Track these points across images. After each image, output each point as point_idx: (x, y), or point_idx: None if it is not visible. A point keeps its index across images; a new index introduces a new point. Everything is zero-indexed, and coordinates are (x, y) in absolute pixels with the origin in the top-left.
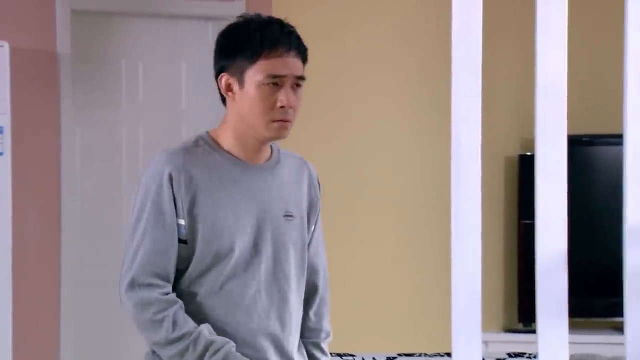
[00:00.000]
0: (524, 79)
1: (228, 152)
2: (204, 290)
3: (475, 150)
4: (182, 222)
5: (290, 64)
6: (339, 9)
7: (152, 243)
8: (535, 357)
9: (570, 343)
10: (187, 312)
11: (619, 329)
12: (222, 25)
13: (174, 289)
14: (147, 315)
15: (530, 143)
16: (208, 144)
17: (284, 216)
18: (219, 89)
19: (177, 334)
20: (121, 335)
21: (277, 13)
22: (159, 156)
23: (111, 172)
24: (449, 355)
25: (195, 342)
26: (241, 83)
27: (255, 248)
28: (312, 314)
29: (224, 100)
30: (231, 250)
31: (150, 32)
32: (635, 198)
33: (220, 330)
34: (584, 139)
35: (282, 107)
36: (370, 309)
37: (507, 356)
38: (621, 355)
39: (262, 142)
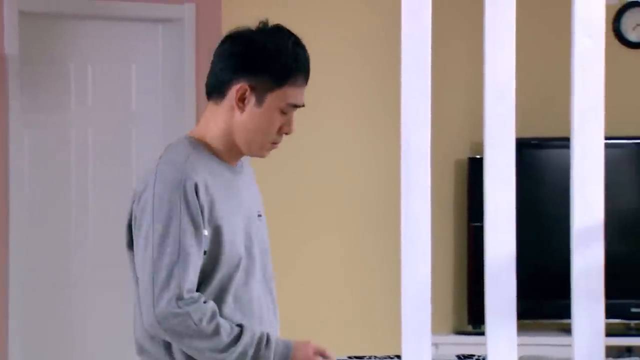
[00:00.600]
0: (474, 82)
1: (218, 156)
2: (224, 301)
3: (424, 153)
4: (206, 232)
5: (303, 93)
6: (290, 11)
7: (187, 259)
8: (484, 359)
9: (519, 344)
10: None
11: (567, 330)
12: (172, 27)
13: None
14: (201, 327)
15: (480, 146)
16: (201, 148)
17: (258, 216)
18: (213, 88)
19: (231, 336)
20: (70, 336)
21: (227, 15)
22: (170, 167)
23: (60, 175)
24: (398, 357)
25: (247, 341)
26: (259, 101)
27: (249, 252)
28: None
29: (209, 96)
30: (240, 258)
31: (99, 34)
32: (582, 200)
33: None
34: (533, 142)
35: (285, 133)
36: (319, 311)
37: (456, 358)
38: (568, 357)
39: (244, 154)
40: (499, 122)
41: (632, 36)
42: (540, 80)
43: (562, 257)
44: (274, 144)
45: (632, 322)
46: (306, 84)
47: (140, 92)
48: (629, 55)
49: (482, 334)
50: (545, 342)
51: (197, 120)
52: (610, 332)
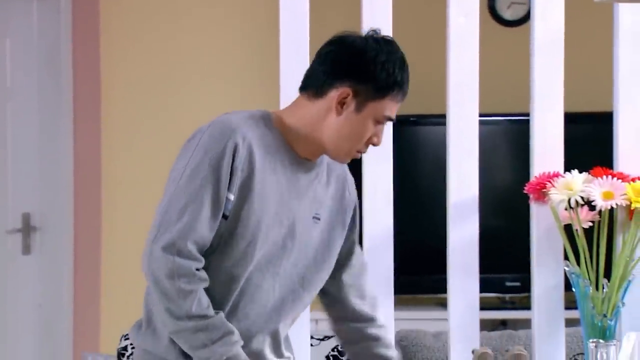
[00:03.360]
0: None
1: (287, 141)
2: (230, 273)
3: None
4: (232, 196)
5: (397, 108)
6: None
7: (200, 209)
8: None
9: (396, 319)
10: (208, 287)
11: (444, 304)
12: (47, 2)
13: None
14: (176, 284)
15: None
16: (271, 125)
17: (313, 217)
18: (311, 86)
19: (200, 311)
20: None
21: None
22: (226, 122)
23: None
24: None
25: (216, 325)
26: (359, 108)
27: (284, 244)
28: (366, 308)
29: (303, 90)
30: (265, 240)
31: None
32: (457, 176)
33: (229, 316)
34: (411, 119)
35: (373, 144)
36: None
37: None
38: (444, 330)
39: (324, 154)
40: None
41: (507, 14)
42: (416, 58)
43: (439, 233)
44: (359, 152)
45: (507, 296)
46: (403, 100)
47: (15, 68)
48: (503, 33)
49: None
50: (422, 317)
51: (74, 94)
52: (485, 306)
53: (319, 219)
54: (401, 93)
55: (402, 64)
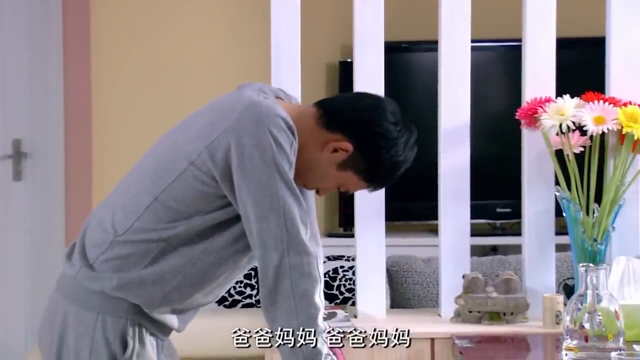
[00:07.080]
0: None
1: None
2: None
3: (294, 57)
4: None
5: None
6: None
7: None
8: (353, 259)
9: (388, 245)
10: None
11: (435, 231)
12: None
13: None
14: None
15: (351, 49)
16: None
17: None
18: (330, 114)
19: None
20: None
21: None
22: (280, 112)
23: None
24: None
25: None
26: (342, 167)
27: None
28: None
29: (319, 107)
30: None
31: None
32: (449, 102)
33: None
34: (403, 45)
35: (317, 193)
36: None
37: (326, 259)
38: (435, 256)
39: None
40: (369, 25)
41: None
42: None
43: (430, 159)
44: (304, 186)
45: (498, 222)
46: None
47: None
48: None
49: (353, 236)
50: (413, 243)
51: (64, 20)
52: (476, 232)
53: None
54: (376, 188)
55: (404, 167)
